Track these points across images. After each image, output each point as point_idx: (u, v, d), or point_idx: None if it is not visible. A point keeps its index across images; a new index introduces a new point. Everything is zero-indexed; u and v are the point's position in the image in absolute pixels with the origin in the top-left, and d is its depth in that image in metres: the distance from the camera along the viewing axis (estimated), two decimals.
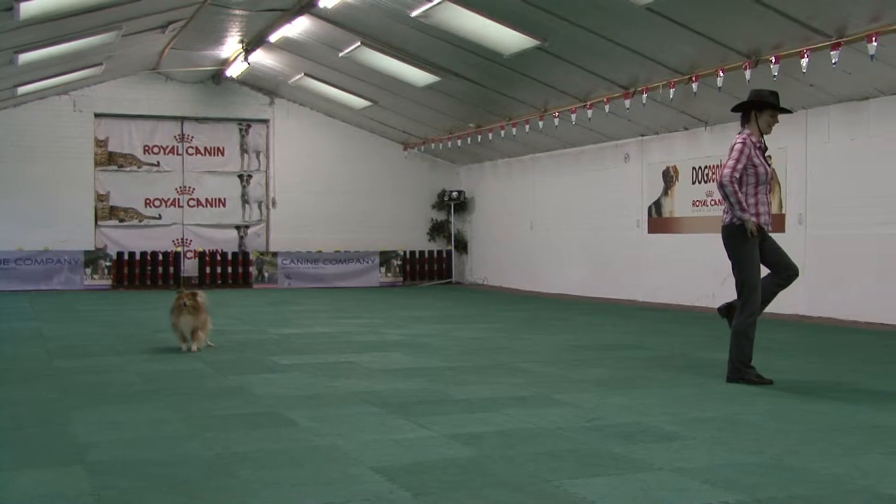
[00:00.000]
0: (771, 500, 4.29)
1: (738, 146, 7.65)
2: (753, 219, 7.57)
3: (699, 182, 16.02)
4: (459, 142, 20.81)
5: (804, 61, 11.57)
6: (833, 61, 11.23)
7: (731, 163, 7.59)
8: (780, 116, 7.95)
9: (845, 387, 7.61)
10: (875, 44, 10.70)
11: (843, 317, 13.10)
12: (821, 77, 12.22)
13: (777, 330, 11.90)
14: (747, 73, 12.42)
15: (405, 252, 23.56)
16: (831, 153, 13.41)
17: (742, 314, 7.61)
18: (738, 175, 7.59)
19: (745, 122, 7.84)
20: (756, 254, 7.63)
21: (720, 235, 7.84)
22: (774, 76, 11.95)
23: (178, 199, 22.50)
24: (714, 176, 15.38)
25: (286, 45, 18.08)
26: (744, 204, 7.57)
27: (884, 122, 12.69)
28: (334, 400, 6.95)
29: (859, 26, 10.91)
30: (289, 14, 15.86)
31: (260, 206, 23.20)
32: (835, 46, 11.18)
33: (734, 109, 8.06)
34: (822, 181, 13.59)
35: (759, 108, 7.77)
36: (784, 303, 14.09)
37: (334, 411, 6.49)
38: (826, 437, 5.65)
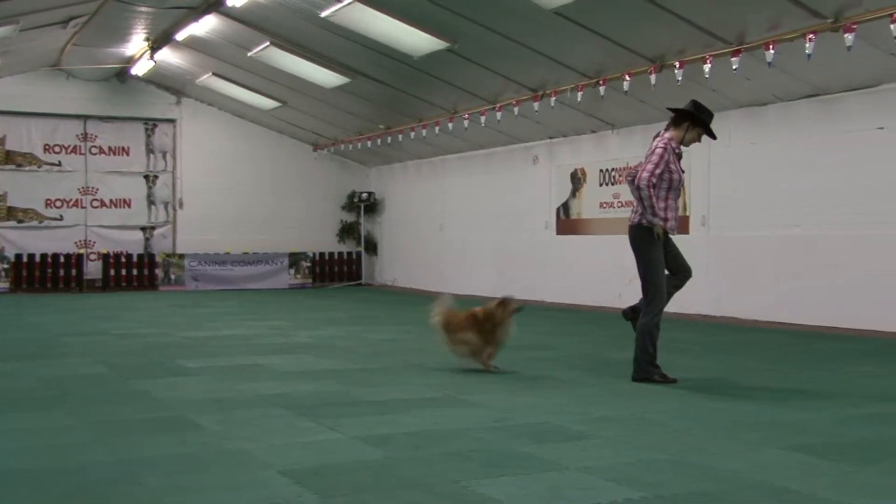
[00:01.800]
0: (674, 497, 4.37)
1: (659, 150, 7.65)
2: (661, 223, 7.63)
3: (606, 184, 16.26)
4: (369, 143, 20.78)
5: (707, 67, 11.84)
6: (734, 67, 11.52)
7: (650, 167, 7.58)
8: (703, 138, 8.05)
9: (746, 385, 7.81)
10: (772, 51, 11.01)
11: (744, 316, 13.41)
12: (722, 82, 12.50)
13: (681, 329, 12.13)
14: (653, 78, 12.67)
15: (315, 253, 23.42)
16: (733, 157, 13.74)
17: (647, 314, 7.70)
18: (654, 180, 7.61)
19: (674, 125, 7.82)
20: (661, 255, 7.75)
21: (627, 235, 7.92)
22: (678, 81, 12.21)
23: (81, 200, 21.97)
24: (621, 178, 15.63)
25: (193, 44, 17.82)
26: (656, 208, 7.60)
27: (781, 126, 13.05)
28: (242, 403, 6.88)
29: (758, 34, 11.22)
30: (196, 12, 15.61)
31: (166, 207, 22.79)
32: (735, 53, 11.47)
33: (672, 109, 8.01)
34: (725, 184, 13.91)
35: (695, 122, 7.77)
36: (688, 302, 14.35)
37: (242, 415, 6.42)
38: (728, 434, 5.79)
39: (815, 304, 12.46)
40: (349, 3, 13.47)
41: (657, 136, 7.89)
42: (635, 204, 7.77)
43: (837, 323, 11.97)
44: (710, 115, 7.91)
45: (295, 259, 23.13)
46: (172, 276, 21.99)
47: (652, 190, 7.60)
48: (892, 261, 11.60)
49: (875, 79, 11.62)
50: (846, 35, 10.18)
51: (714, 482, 4.64)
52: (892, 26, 9.74)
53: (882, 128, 11.76)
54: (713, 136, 8.00)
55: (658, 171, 7.60)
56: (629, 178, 7.83)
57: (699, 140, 7.97)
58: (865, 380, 7.57)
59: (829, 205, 12.38)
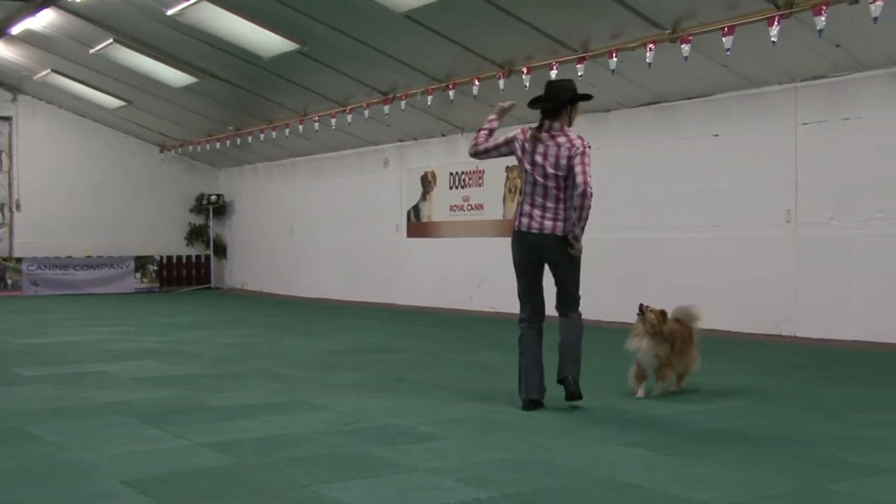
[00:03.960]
0: (521, 495, 4.44)
1: (588, 151, 6.71)
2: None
3: (457, 187, 16.42)
4: (218, 145, 20.43)
5: (553, 73, 12.07)
6: (579, 74, 11.78)
7: (588, 170, 6.64)
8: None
9: (590, 384, 7.98)
10: (615, 59, 11.33)
11: (590, 316, 13.68)
12: None
13: None
14: (501, 83, 12.86)
15: (162, 257, 22.86)
16: None
17: (580, 324, 7.18)
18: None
19: (554, 117, 6.75)
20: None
21: (517, 240, 6.89)
22: (526, 87, 12.41)
23: None
24: (471, 181, 15.81)
25: (30, 39, 17.12)
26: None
27: (624, 132, 13.43)
28: (83, 412, 6.64)
29: (602, 42, 11.52)
30: (32, 5, 15.01)
31: (2, 209, 21.83)
32: (581, 60, 11.75)
33: (538, 103, 6.86)
34: None
35: (573, 102, 6.86)
36: None
37: (82, 424, 6.20)
38: (573, 432, 5.92)
39: (657, 304, 12.83)
40: (196, 2, 13.20)
41: (542, 131, 6.75)
42: (546, 210, 6.71)
43: None
44: (572, 82, 7.08)
45: (141, 263, 22.50)
46: (9, 281, 21.07)
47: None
48: (725, 263, 12.09)
49: (710, 88, 12.09)
50: (683, 46, 10.56)
51: (560, 479, 4.74)
52: (724, 39, 10.15)
53: (717, 135, 12.24)
54: (587, 97, 7.15)
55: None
56: (579, 190, 6.58)
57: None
58: (702, 377, 7.84)
59: (668, 209, 12.80)
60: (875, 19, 8.89)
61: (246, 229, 23.14)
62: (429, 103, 14.28)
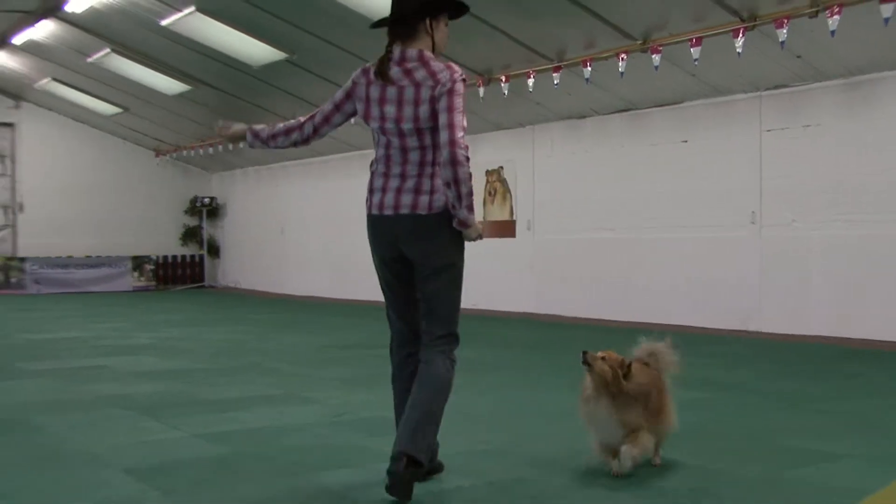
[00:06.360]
0: (500, 482, 4.49)
1: (459, 88, 4.15)
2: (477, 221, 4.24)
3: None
4: (211, 149, 20.36)
5: (531, 81, 12.13)
6: (555, 82, 11.84)
7: (459, 118, 4.10)
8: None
9: (564, 376, 8.03)
10: (589, 68, 11.38)
11: (566, 314, 13.79)
12: (545, 96, 12.84)
13: (505, 327, 12.40)
14: (481, 91, 12.89)
15: (157, 257, 22.80)
16: (555, 165, 14.12)
17: (444, 378, 4.31)
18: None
19: (407, 38, 4.23)
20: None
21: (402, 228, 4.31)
22: (504, 94, 12.47)
23: None
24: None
25: (31, 48, 17.06)
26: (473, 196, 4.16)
27: (597, 138, 13.48)
28: (83, 404, 6.65)
29: (576, 52, 11.58)
30: (33, 16, 14.96)
31: (6, 211, 21.73)
32: (556, 69, 11.80)
33: (382, 23, 4.30)
34: (547, 190, 14.27)
35: (432, 11, 4.26)
36: (513, 301, 14.70)
37: (83, 416, 6.21)
38: (549, 424, 5.96)
39: (629, 301, 12.93)
40: (189, 13, 13.22)
41: (392, 63, 4.22)
42: (404, 180, 4.23)
43: (648, 319, 12.43)
44: None
45: (138, 262, 22.45)
46: (12, 280, 20.98)
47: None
48: (693, 262, 12.17)
49: (679, 96, 12.16)
50: (653, 56, 10.62)
51: (534, 468, 4.78)
52: (691, 49, 10.22)
53: (685, 141, 12.31)
54: (465, 8, 4.44)
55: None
56: (447, 155, 4.04)
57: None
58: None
59: (639, 210, 12.86)
60: (832, 32, 9.01)
61: (238, 230, 23.10)
62: None
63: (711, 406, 6.58)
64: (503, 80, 12.49)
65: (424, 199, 4.15)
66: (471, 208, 4.12)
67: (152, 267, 22.69)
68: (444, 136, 4.06)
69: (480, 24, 11.37)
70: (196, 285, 23.31)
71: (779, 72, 10.82)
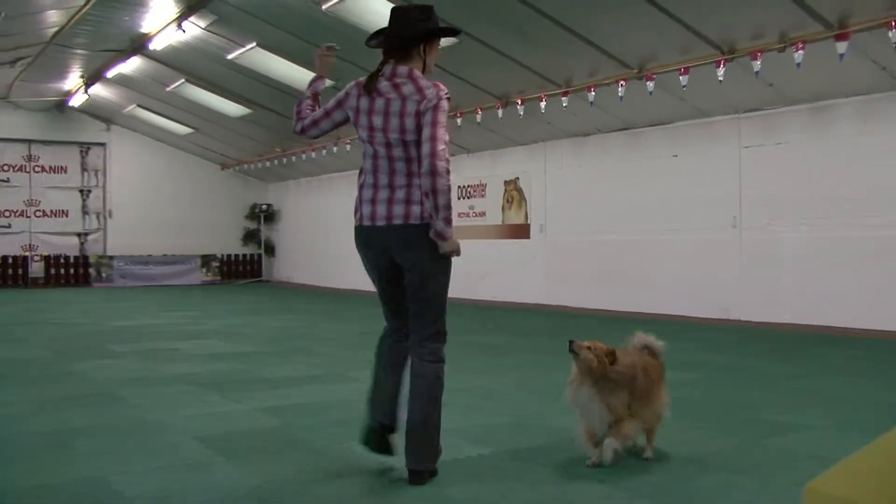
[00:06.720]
0: (518, 450, 4.47)
1: (444, 105, 3.81)
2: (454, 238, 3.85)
3: (463, 198, 16.35)
4: (268, 163, 20.46)
5: (542, 104, 12.08)
6: (563, 105, 11.78)
7: (442, 132, 3.75)
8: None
9: (563, 361, 7.99)
10: (592, 93, 11.31)
11: (573, 304, 13.73)
12: (555, 117, 12.77)
13: (521, 316, 12.34)
14: (499, 112, 12.85)
15: (222, 255, 22.94)
16: (564, 177, 14.05)
17: (435, 380, 3.98)
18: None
19: (401, 58, 3.94)
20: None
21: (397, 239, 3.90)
22: (520, 115, 12.43)
23: (26, 211, 21.22)
24: (475, 192, 15.80)
25: (121, 80, 17.24)
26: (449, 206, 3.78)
27: (600, 153, 13.40)
28: (159, 381, 6.69)
29: (581, 79, 11.51)
30: (123, 54, 15.21)
31: (98, 217, 22.03)
32: (564, 94, 11.74)
33: (378, 37, 4.06)
34: (558, 198, 14.21)
35: (429, 38, 3.99)
36: (528, 293, 14.62)
37: (159, 390, 6.24)
38: (560, 398, 5.92)
39: (628, 294, 12.86)
40: (251, 48, 13.29)
41: (382, 78, 3.93)
42: (394, 192, 3.84)
43: (644, 309, 12.38)
44: (431, 11, 4.00)
45: (206, 260, 22.60)
46: (103, 275, 21.25)
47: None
48: (682, 260, 12.07)
49: (670, 117, 12.06)
50: (648, 82, 10.54)
51: (549, 437, 4.75)
52: (680, 77, 10.14)
53: (675, 155, 12.22)
54: (454, 33, 4.25)
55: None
56: (428, 166, 3.71)
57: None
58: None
59: (636, 215, 12.77)
60: (798, 64, 9.00)
61: (291, 232, 23.17)
62: None
63: (697, 384, 6.52)
64: (519, 102, 12.44)
65: (416, 209, 3.78)
66: (448, 221, 3.73)
67: (217, 264, 22.82)
68: (425, 148, 3.71)
69: (499, 56, 11.34)
70: (255, 280, 23.41)
71: (754, 97, 10.71)
